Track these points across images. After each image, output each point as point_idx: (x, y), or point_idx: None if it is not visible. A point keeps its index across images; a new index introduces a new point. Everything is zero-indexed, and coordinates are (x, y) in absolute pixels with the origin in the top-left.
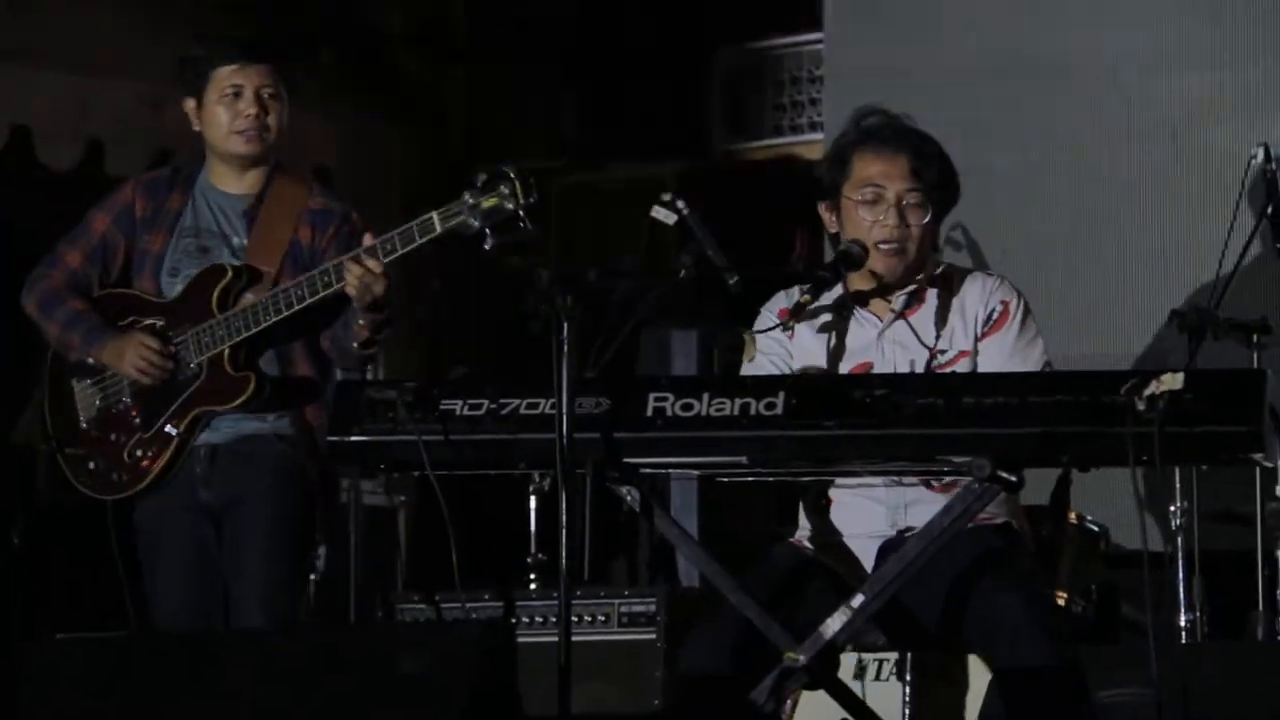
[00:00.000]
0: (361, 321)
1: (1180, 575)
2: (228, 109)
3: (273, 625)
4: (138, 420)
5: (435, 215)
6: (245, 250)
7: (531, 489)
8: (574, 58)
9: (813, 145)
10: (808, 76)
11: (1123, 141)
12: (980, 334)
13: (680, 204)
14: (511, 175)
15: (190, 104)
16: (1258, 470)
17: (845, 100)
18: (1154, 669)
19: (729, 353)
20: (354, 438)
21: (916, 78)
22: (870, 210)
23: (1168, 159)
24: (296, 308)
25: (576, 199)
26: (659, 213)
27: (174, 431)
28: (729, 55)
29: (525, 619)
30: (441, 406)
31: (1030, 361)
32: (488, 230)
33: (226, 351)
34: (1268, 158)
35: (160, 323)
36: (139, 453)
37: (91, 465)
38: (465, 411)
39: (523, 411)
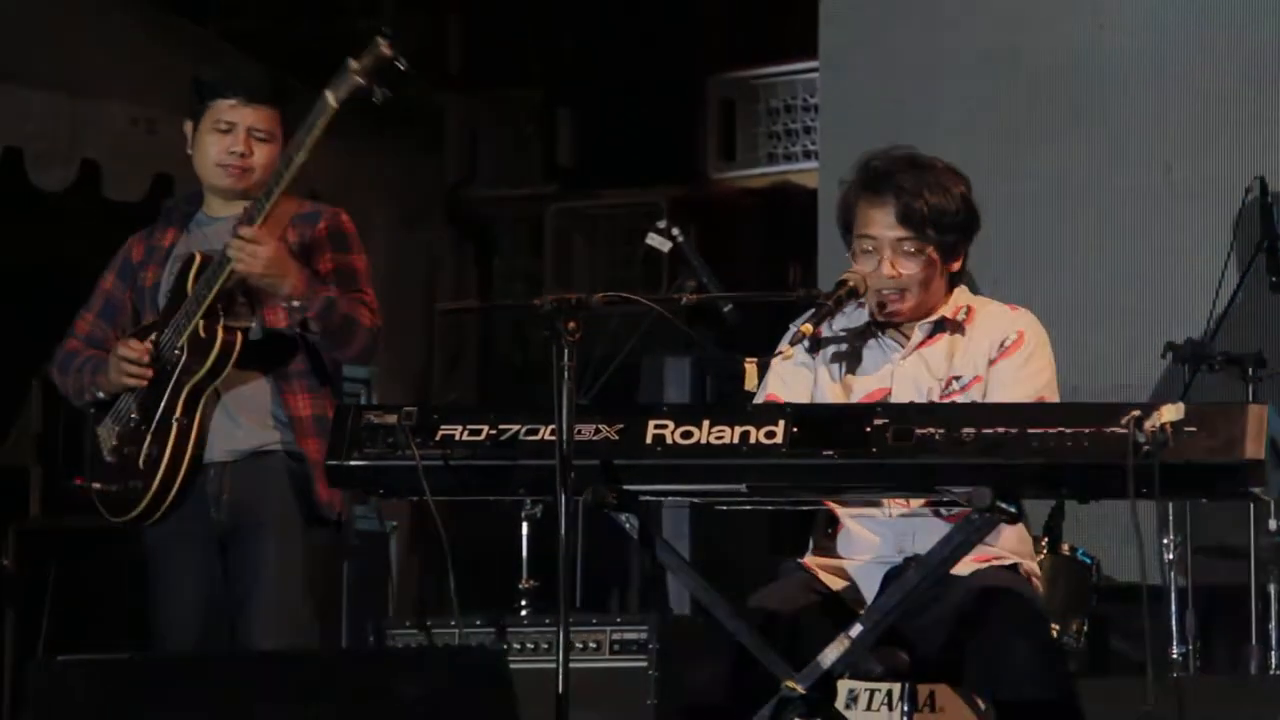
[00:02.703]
0: (281, 304)
1: (1174, 609)
2: (216, 142)
3: (284, 647)
4: (143, 426)
5: (326, 92)
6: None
7: (524, 515)
8: (568, 84)
9: (806, 173)
10: (802, 104)
11: (1118, 172)
12: (993, 358)
13: (675, 231)
14: (382, 30)
15: (188, 126)
16: (1251, 504)
17: (839, 128)
18: (1149, 702)
19: (723, 380)
20: (353, 462)
21: (912, 106)
22: (867, 260)
23: (1163, 189)
24: (224, 277)
25: (571, 224)
26: (654, 240)
27: (172, 419)
28: (722, 82)
29: (517, 645)
30: (441, 431)
31: (1033, 386)
32: (375, 87)
33: (200, 324)
34: (1263, 191)
35: (155, 333)
36: (150, 452)
37: (114, 489)
38: (465, 436)
39: (523, 437)
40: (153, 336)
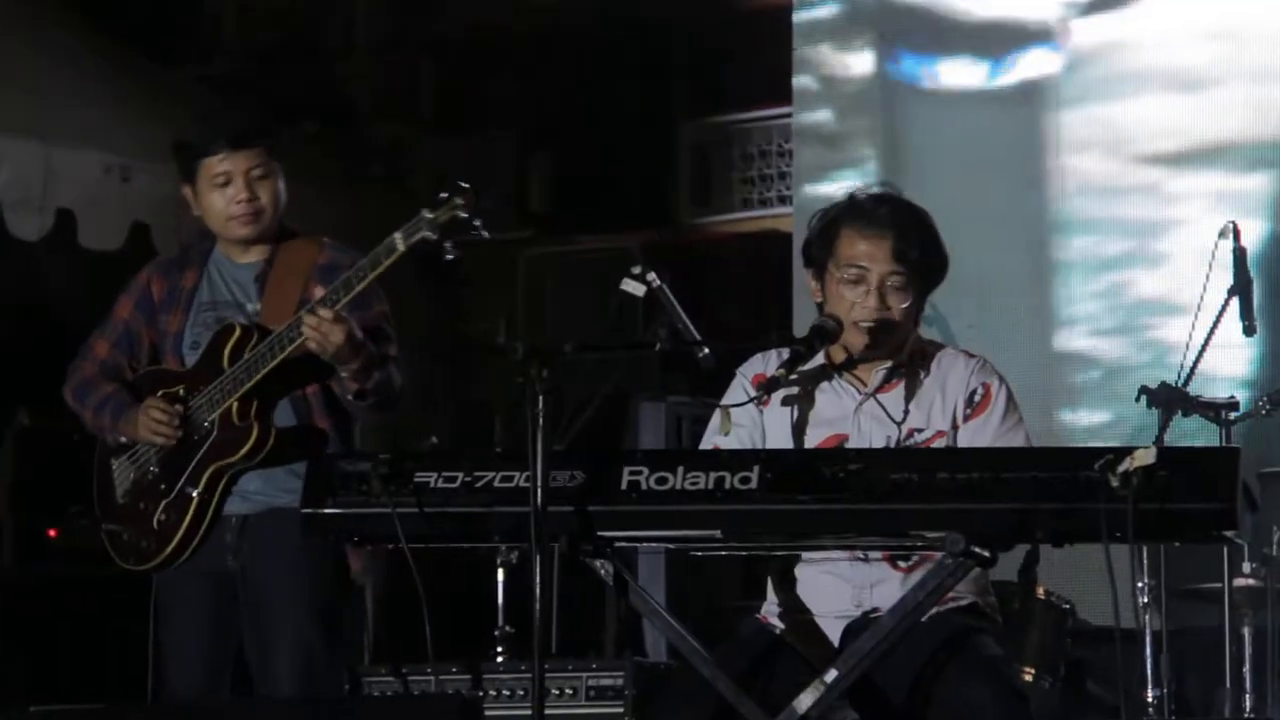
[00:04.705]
0: (344, 374)
1: (1148, 652)
2: (220, 196)
3: (308, 694)
4: (163, 486)
5: (397, 235)
6: (260, 314)
7: (499, 561)
8: (541, 130)
9: (781, 219)
10: (776, 150)
11: (1095, 213)
12: (964, 417)
13: (650, 276)
14: (463, 187)
15: (187, 191)
16: (1225, 548)
17: (813, 173)
18: None
19: (699, 425)
20: (328, 509)
21: (886, 150)
22: (852, 290)
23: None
24: (278, 359)
25: (543, 270)
26: (629, 285)
27: (193, 492)
28: (696, 128)
29: (493, 692)
30: (416, 479)
31: (1017, 443)
32: (446, 244)
33: (235, 405)
34: (1235, 236)
35: (182, 390)
36: (164, 517)
37: (125, 537)
38: (439, 484)
39: (497, 484)
40: (181, 394)
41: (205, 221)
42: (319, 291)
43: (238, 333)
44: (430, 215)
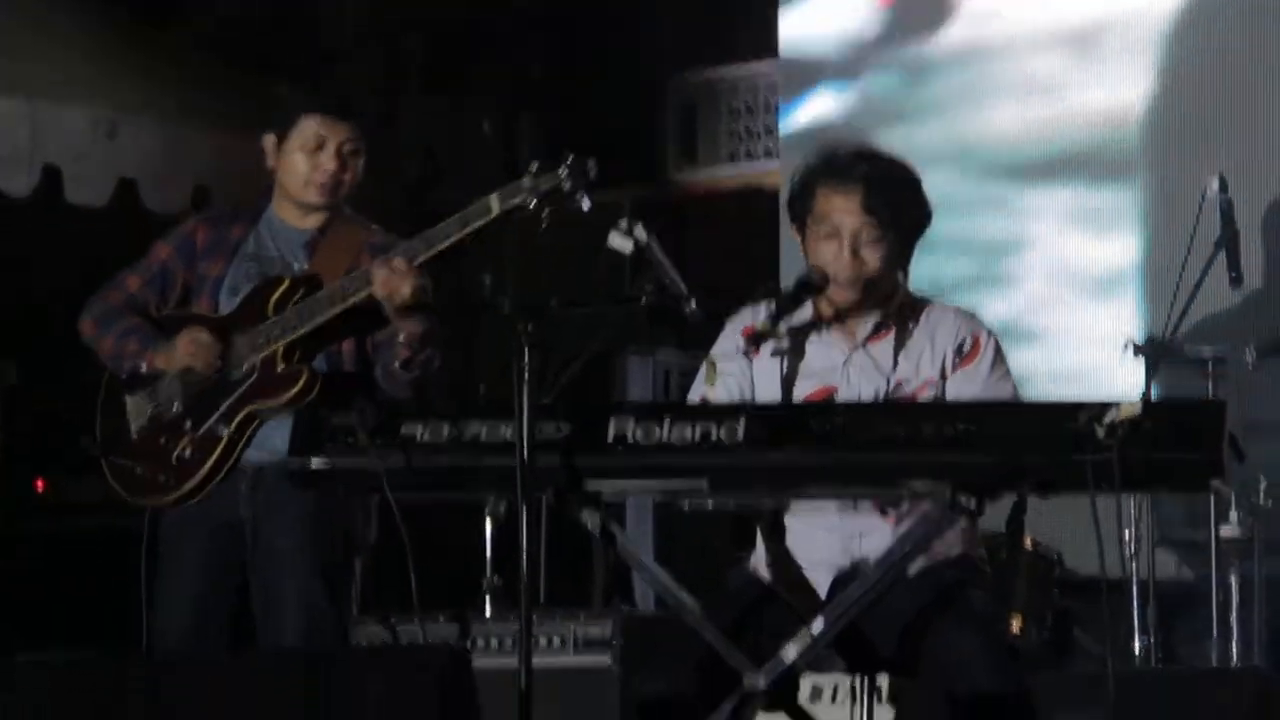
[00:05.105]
0: (402, 337)
1: (1135, 602)
2: (308, 158)
3: (310, 647)
4: (188, 423)
5: (493, 197)
6: (304, 273)
7: (488, 512)
8: (529, 85)
9: (769, 173)
10: (764, 105)
11: (1079, 169)
12: (953, 366)
13: (638, 231)
14: (571, 158)
15: (269, 142)
16: (1212, 497)
17: (801, 128)
18: (1110, 696)
19: (686, 380)
20: (315, 462)
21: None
22: (828, 245)
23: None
24: (340, 307)
25: (531, 226)
26: (616, 240)
27: (224, 431)
28: (683, 83)
29: (481, 643)
30: (402, 431)
31: (1005, 395)
32: (544, 211)
33: (280, 349)
34: (1223, 188)
35: (228, 334)
36: (187, 453)
37: (139, 471)
38: (426, 436)
39: (484, 437)
40: (228, 342)
41: (279, 177)
42: (368, 263)
43: (285, 284)
44: (531, 182)
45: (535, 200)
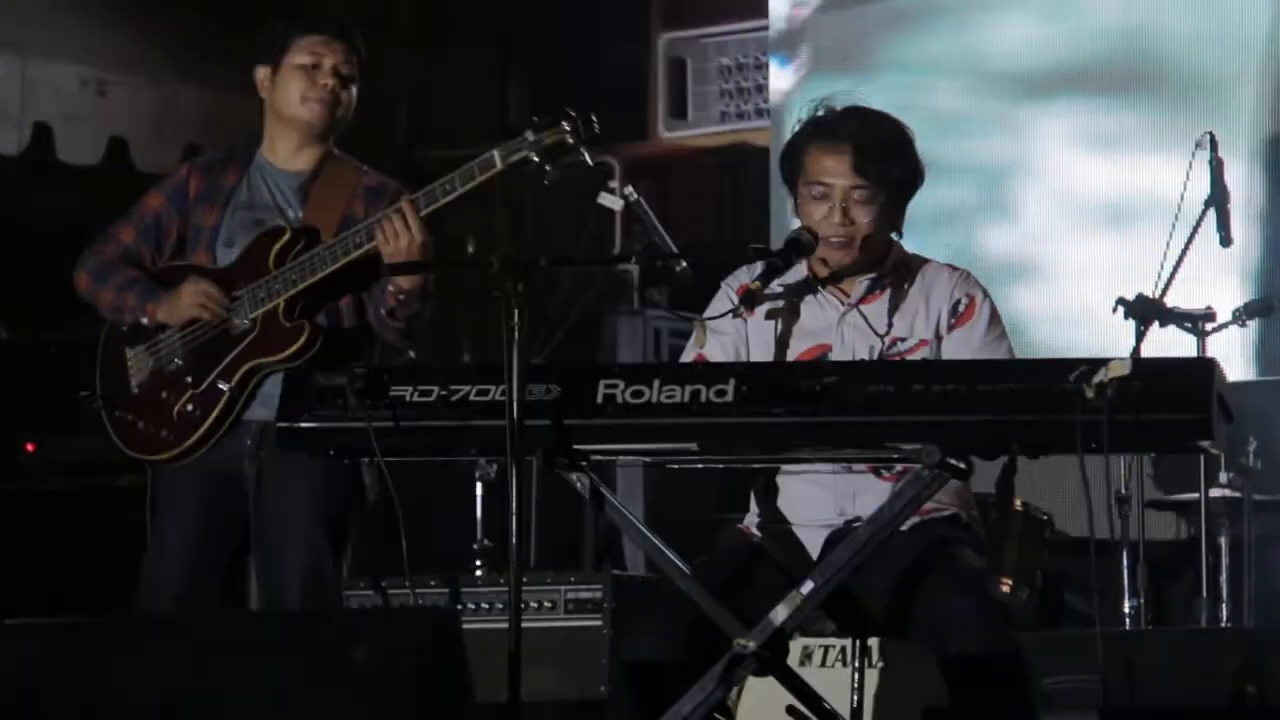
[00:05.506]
0: (391, 287)
1: (1125, 562)
2: (305, 76)
3: (309, 605)
4: (189, 378)
5: (496, 152)
6: (300, 223)
7: (478, 475)
8: (519, 44)
9: (759, 132)
10: (754, 63)
11: (1069, 135)
12: (948, 327)
13: (628, 190)
14: (570, 113)
15: (262, 73)
16: (1201, 458)
17: (791, 87)
18: (1100, 656)
19: (676, 339)
20: (304, 424)
21: (866, 64)
22: (818, 206)
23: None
24: (342, 261)
25: (520, 184)
26: (605, 199)
27: (225, 386)
28: (673, 41)
29: (472, 605)
30: (391, 393)
31: (1001, 354)
32: (547, 166)
33: (281, 305)
34: (1212, 146)
35: (232, 288)
36: (189, 408)
37: (141, 425)
38: (415, 398)
39: (473, 398)
40: (231, 297)
41: (273, 104)
42: (362, 209)
43: (286, 236)
44: (534, 137)
45: (540, 156)
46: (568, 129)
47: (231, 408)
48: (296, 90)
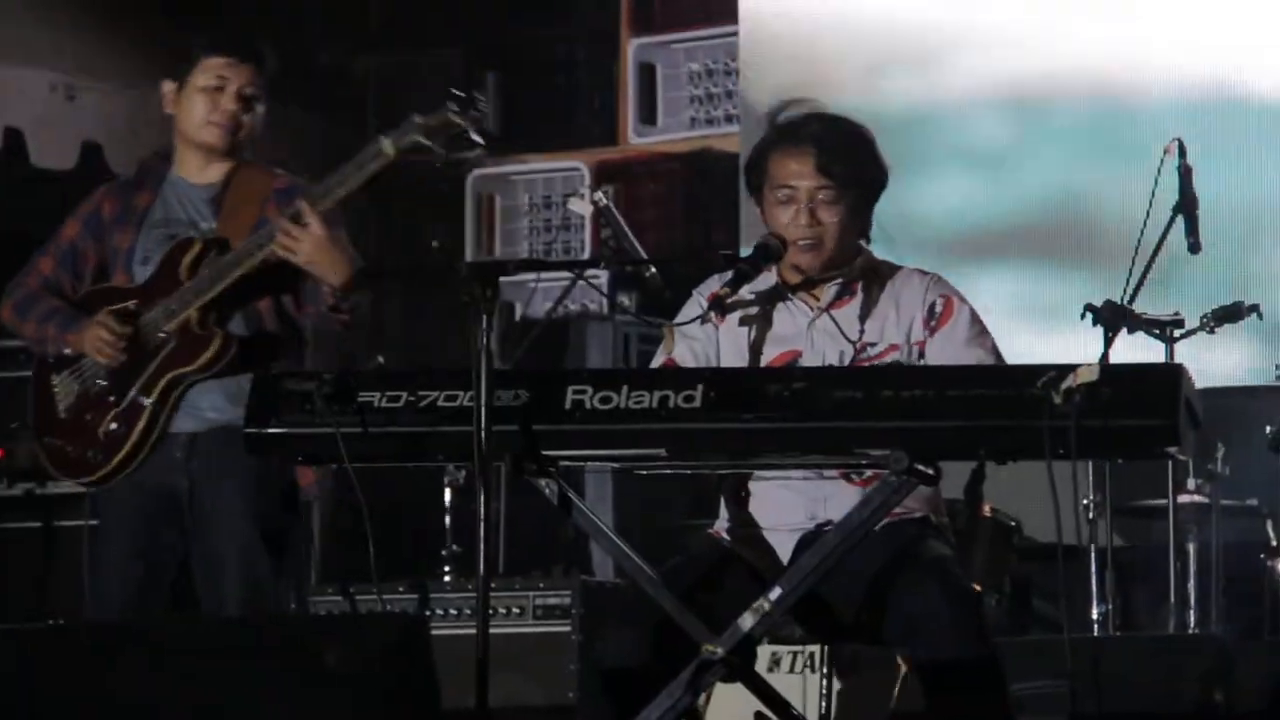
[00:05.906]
0: (325, 286)
1: (1093, 568)
2: (207, 99)
3: (249, 614)
4: (112, 396)
5: (384, 139)
6: (215, 234)
7: (446, 481)
8: (487, 49)
9: (728, 137)
10: (723, 68)
11: (1042, 138)
12: (929, 330)
13: (597, 196)
14: (458, 94)
15: (169, 88)
16: (1170, 464)
17: (760, 93)
18: (1068, 662)
19: (646, 345)
20: (271, 429)
21: (834, 68)
22: (785, 210)
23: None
24: (246, 265)
25: (492, 189)
26: (575, 204)
27: (145, 401)
28: (643, 47)
29: (440, 611)
30: (359, 398)
31: (986, 350)
32: (438, 151)
33: (194, 315)
34: (1182, 153)
35: (134, 304)
36: (113, 426)
37: (69, 450)
38: (383, 403)
39: (441, 404)
40: (132, 309)
41: (177, 123)
42: (274, 212)
43: (197, 246)
44: (420, 119)
45: (428, 139)
46: (454, 109)
47: (155, 421)
48: (199, 113)
